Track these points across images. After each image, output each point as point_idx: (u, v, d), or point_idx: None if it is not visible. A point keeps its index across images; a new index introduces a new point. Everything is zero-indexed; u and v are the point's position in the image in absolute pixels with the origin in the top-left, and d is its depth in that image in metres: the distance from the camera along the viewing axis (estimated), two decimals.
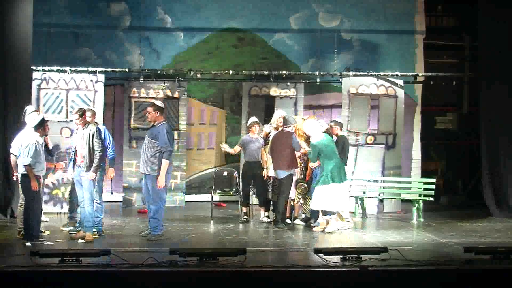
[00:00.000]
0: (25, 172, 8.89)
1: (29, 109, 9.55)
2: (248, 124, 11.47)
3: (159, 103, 9.60)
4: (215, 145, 14.25)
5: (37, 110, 10.45)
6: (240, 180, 11.49)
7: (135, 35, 13.92)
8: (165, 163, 9.17)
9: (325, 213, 10.28)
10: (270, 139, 10.95)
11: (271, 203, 11.17)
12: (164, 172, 9.18)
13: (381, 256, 7.84)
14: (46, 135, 9.51)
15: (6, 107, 10.98)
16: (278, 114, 11.07)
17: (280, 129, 10.80)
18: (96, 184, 9.33)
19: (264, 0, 14.26)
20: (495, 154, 12.27)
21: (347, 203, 10.68)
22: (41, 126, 9.13)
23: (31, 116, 9.25)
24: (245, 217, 11.17)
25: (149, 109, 9.44)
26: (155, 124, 9.39)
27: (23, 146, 8.96)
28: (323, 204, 10.22)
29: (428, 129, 14.70)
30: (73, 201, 9.99)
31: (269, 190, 11.01)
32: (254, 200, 11.58)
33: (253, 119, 11.41)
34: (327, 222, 10.28)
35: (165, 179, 9.25)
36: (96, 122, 9.58)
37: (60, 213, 11.72)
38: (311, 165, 10.62)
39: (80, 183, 9.24)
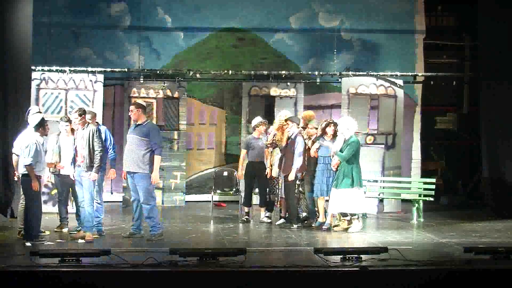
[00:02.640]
0: (26, 172, 8.90)
1: (33, 109, 9.54)
2: (255, 124, 11.19)
3: (140, 101, 9.82)
4: (215, 145, 14.25)
5: (40, 111, 10.44)
6: (243, 179, 11.42)
7: (135, 35, 13.92)
8: (158, 159, 9.31)
9: (345, 214, 10.24)
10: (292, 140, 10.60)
11: (272, 203, 11.18)
12: (158, 168, 9.31)
13: (381, 256, 7.83)
14: (46, 135, 9.51)
15: (6, 107, 10.97)
16: (282, 114, 11.04)
17: (297, 130, 10.59)
18: (96, 184, 9.34)
19: (264, 0, 14.26)
20: (495, 154, 12.27)
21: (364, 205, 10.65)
22: (41, 126, 9.13)
23: (34, 117, 9.24)
24: (246, 217, 11.14)
25: (132, 107, 9.53)
26: (140, 122, 9.40)
27: (23, 146, 8.97)
28: (349, 206, 10.11)
29: (428, 129, 14.69)
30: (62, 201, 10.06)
31: (272, 192, 11.00)
32: (254, 200, 11.58)
33: (259, 119, 11.28)
34: (349, 222, 10.25)
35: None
36: (97, 123, 9.59)
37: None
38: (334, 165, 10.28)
39: (80, 183, 9.24)
